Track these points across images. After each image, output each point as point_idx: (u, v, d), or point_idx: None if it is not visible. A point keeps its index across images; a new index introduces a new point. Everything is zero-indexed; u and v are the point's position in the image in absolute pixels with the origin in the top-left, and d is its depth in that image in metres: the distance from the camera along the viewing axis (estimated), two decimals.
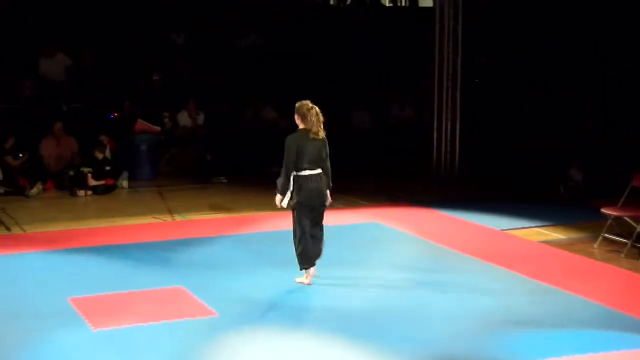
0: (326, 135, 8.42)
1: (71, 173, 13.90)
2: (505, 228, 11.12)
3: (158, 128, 15.46)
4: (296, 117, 8.40)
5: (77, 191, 13.49)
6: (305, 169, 8.27)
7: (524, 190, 13.73)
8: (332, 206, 12.32)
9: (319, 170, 8.35)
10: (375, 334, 7.16)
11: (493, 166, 15.62)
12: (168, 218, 11.79)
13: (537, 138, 15.93)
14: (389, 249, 10.16)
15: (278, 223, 11.21)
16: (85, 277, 8.78)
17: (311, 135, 8.27)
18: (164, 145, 15.55)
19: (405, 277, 8.82)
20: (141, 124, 15.21)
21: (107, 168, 13.80)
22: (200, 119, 16.26)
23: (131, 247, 10.01)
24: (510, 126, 16.67)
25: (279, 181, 8.41)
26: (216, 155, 15.07)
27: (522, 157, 15.63)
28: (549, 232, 10.95)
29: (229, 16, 18.88)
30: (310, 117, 8.30)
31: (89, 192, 13.54)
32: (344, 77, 18.50)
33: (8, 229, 11.13)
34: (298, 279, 8.58)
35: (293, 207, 8.40)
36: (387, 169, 15.91)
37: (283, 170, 8.33)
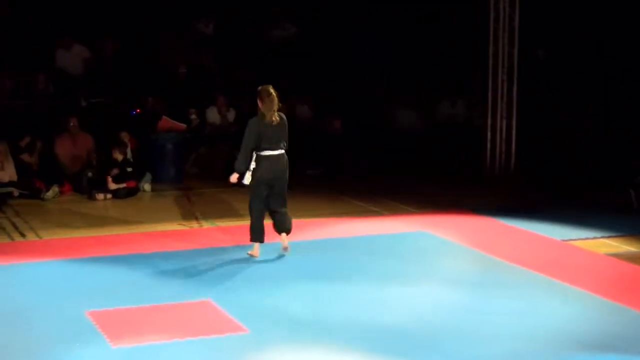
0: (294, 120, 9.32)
1: (90, 174, 14.03)
2: (567, 238, 11.03)
3: (184, 126, 15.55)
4: (258, 100, 9.85)
5: (96, 194, 13.61)
6: (265, 149, 9.77)
7: (588, 196, 13.61)
8: (376, 213, 12.47)
9: (280, 151, 9.85)
10: (421, 353, 7.12)
11: (553, 169, 15.51)
12: (195, 225, 11.84)
13: (602, 139, 15.78)
14: (438, 260, 10.12)
15: (312, 231, 11.24)
16: (104, 289, 8.83)
17: (267, 120, 9.72)
18: (191, 144, 15.63)
19: (456, 292, 8.78)
20: (166, 121, 15.30)
21: (129, 169, 13.90)
22: (231, 115, 16.34)
23: (154, 257, 10.05)
24: (572, 125, 16.53)
25: (236, 162, 9.93)
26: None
27: (585, 159, 15.50)
28: (617, 244, 10.83)
29: (262, 3, 18.94)
30: (267, 102, 9.74)
31: (109, 196, 13.65)
32: (386, 72, 18.49)
33: (23, 235, 11.26)
34: (249, 252, 10.00)
35: (251, 183, 9.85)
36: (436, 172, 15.85)
37: (241, 151, 9.87)
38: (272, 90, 9.82)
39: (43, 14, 17.26)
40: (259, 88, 9.94)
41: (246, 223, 10.99)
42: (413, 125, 17.49)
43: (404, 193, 13.88)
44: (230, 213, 11.85)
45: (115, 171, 13.71)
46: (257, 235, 10.01)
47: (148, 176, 14.37)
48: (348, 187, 14.47)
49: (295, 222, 10.84)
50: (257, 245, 10.04)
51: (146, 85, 16.48)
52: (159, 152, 15.01)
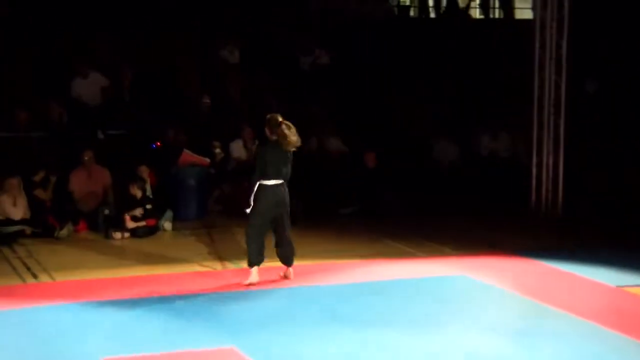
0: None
1: (106, 212, 14.06)
2: (621, 284, 10.90)
3: (207, 160, 15.56)
4: (266, 129, 10.59)
5: (113, 233, 13.63)
6: (267, 178, 10.42)
7: None
8: (412, 255, 12.39)
9: (281, 181, 10.46)
10: None
11: (603, 208, 15.38)
12: (218, 266, 11.82)
13: None
14: (480, 307, 10.03)
15: (343, 274, 11.20)
16: (121, 334, 8.81)
17: (287, 148, 10.45)
18: (214, 180, 15.64)
19: (498, 341, 8.68)
20: (188, 155, 15.33)
21: (148, 206, 13.91)
22: None
23: (175, 299, 10.02)
24: (624, 163, 16.43)
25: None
26: None
27: (637, 197, 15.39)
28: None
29: (291, 29, 19.02)
30: (283, 131, 10.41)
31: (127, 235, 13.67)
32: (424, 102, 18.48)
33: (35, 276, 11.28)
34: (246, 282, 10.57)
35: (251, 211, 10.49)
36: (477, 210, 15.79)
37: (254, 178, 10.56)
38: (281, 119, 10.51)
39: (58, 40, 17.42)
40: (267, 117, 10.63)
41: (272, 265, 10.99)
42: (452, 159, 17.44)
43: (441, 233, 13.80)
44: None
45: (135, 210, 13.71)
46: (253, 257, 10.59)
47: (168, 214, 14.37)
48: (382, 226, 14.40)
49: (325, 264, 10.81)
50: (255, 269, 10.61)
51: (167, 116, 16.55)
52: (180, 188, 15.04)
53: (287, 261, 10.88)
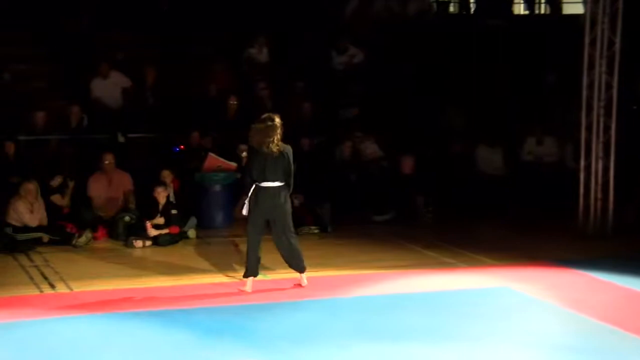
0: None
1: (127, 219, 14.15)
2: None
3: (234, 164, 15.61)
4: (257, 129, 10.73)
5: (134, 241, 13.71)
6: (265, 180, 10.66)
7: None
8: (451, 265, 12.39)
9: (277, 183, 10.72)
10: None
11: None
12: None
13: None
14: (523, 321, 9.98)
15: (378, 285, 11.20)
16: (142, 349, 8.86)
17: (268, 149, 10.59)
18: (241, 185, 15.68)
19: (544, 358, 8.64)
20: (213, 159, 15.39)
21: (173, 212, 13.96)
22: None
23: (199, 313, 10.07)
24: None
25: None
26: (307, 199, 15.15)
27: None
28: None
29: (323, 25, 19.03)
30: (264, 131, 10.63)
31: (148, 243, 13.75)
32: (464, 103, 18.45)
33: (52, 286, 11.37)
34: (240, 288, 10.89)
35: (248, 215, 10.81)
36: (520, 218, 15.75)
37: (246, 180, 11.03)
38: (274, 117, 10.70)
39: (78, 38, 17.55)
40: (261, 117, 10.83)
41: (305, 275, 11.03)
42: (494, 164, 17.38)
43: (482, 242, 13.80)
44: (284, 264, 11.84)
45: (157, 218, 13.79)
46: (250, 269, 10.90)
47: (193, 221, 14.43)
48: (419, 235, 14.42)
49: (359, 275, 10.80)
50: (250, 280, 10.92)
51: (191, 118, 16.62)
52: (205, 194, 15.11)
53: (292, 266, 11.15)
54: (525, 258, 12.83)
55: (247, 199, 10.88)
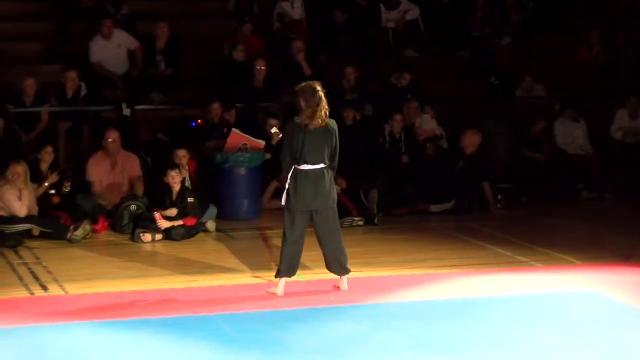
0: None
1: (133, 208, 14.17)
2: None
3: (262, 142, 15.60)
4: (301, 100, 10.55)
5: (142, 235, 13.74)
6: (305, 162, 10.55)
7: None
8: (524, 264, 12.32)
9: (321, 165, 10.60)
10: None
11: None
12: (273, 277, 11.82)
13: None
14: (613, 331, 9.93)
15: (435, 288, 11.18)
16: None
17: (312, 124, 10.44)
18: (270, 168, 15.67)
19: None
20: (237, 136, 15.38)
21: (189, 200, 13.96)
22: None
23: (220, 320, 10.07)
24: None
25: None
26: (349, 185, 15.10)
27: None
28: None
29: None
30: (313, 101, 10.45)
31: (159, 237, 13.78)
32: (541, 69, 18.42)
33: (44, 288, 11.40)
34: (270, 290, 10.89)
35: (286, 205, 10.76)
36: (607, 208, 15.67)
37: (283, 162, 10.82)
38: (318, 88, 10.54)
39: None
40: (302, 85, 10.68)
41: (347, 276, 11.01)
42: (577, 142, 17.29)
43: (561, 237, 13.83)
44: (321, 261, 11.84)
45: (170, 210, 13.81)
46: (284, 268, 10.83)
47: (212, 211, 14.45)
48: (486, 228, 14.44)
49: (411, 276, 10.77)
50: (282, 281, 10.87)
51: (210, 86, 16.62)
52: (227, 178, 15.12)
53: (331, 268, 11.05)
54: (616, 257, 12.80)
55: (285, 185, 10.76)
